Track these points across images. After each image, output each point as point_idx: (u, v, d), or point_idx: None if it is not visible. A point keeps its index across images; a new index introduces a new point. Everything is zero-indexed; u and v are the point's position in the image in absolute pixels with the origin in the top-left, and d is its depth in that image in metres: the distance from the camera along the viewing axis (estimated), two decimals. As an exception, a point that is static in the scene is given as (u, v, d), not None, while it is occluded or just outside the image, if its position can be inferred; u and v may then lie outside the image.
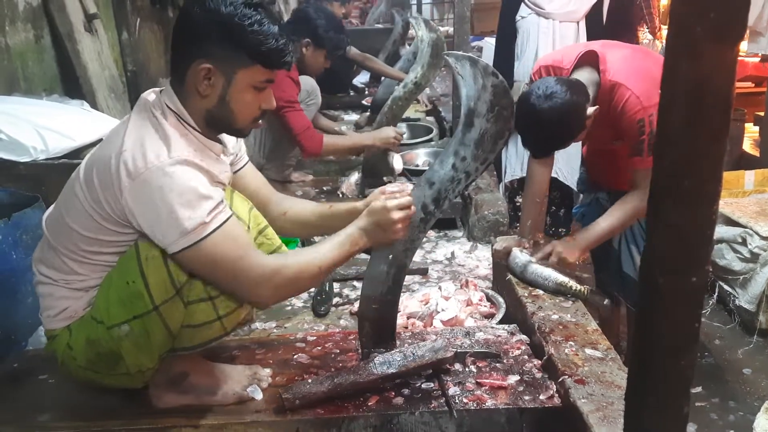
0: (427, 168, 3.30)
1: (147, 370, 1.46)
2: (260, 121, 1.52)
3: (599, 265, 2.53)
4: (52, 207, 1.54)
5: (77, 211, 1.42)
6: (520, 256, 1.99)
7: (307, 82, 3.11)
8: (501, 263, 2.08)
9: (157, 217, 1.32)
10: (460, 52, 1.50)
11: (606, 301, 1.80)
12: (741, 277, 2.74)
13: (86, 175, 1.41)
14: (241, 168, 1.69)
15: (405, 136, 4.16)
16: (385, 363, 1.54)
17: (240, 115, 1.46)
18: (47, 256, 1.49)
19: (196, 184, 1.33)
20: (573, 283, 1.83)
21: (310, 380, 1.52)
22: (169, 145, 1.35)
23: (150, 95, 1.46)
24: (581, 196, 3.65)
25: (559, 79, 1.91)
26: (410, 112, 4.20)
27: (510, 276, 1.99)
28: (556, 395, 1.49)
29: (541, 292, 1.88)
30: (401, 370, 1.54)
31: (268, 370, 1.64)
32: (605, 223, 2.04)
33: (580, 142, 3.43)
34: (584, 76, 1.99)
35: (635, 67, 1.98)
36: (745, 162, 3.53)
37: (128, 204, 1.33)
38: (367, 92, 5.43)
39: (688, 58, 0.85)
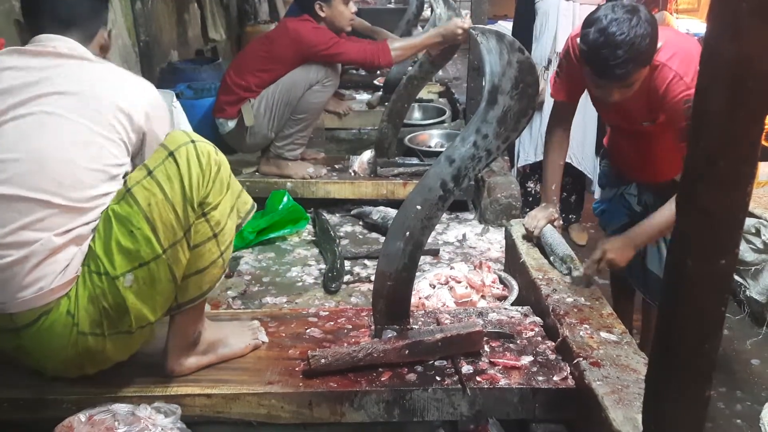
0: (440, 149, 3.30)
1: (147, 325, 1.43)
2: None
3: None
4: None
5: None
6: (550, 231, 2.03)
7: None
8: (519, 241, 2.08)
9: None
10: (486, 26, 1.48)
11: (593, 287, 1.81)
12: (753, 268, 2.73)
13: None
14: None
15: (416, 117, 4.13)
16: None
17: None
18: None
19: None
20: (580, 268, 1.86)
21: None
22: None
23: None
24: (594, 184, 3.63)
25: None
26: (423, 93, 4.16)
27: (524, 258, 1.97)
28: (570, 377, 1.49)
29: (555, 275, 1.86)
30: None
31: (256, 322, 1.73)
32: (662, 216, 1.84)
33: (595, 127, 3.42)
34: None
35: (677, 47, 1.88)
36: (761, 153, 3.50)
37: None
38: (378, 72, 5.37)
39: (730, 37, 0.83)
